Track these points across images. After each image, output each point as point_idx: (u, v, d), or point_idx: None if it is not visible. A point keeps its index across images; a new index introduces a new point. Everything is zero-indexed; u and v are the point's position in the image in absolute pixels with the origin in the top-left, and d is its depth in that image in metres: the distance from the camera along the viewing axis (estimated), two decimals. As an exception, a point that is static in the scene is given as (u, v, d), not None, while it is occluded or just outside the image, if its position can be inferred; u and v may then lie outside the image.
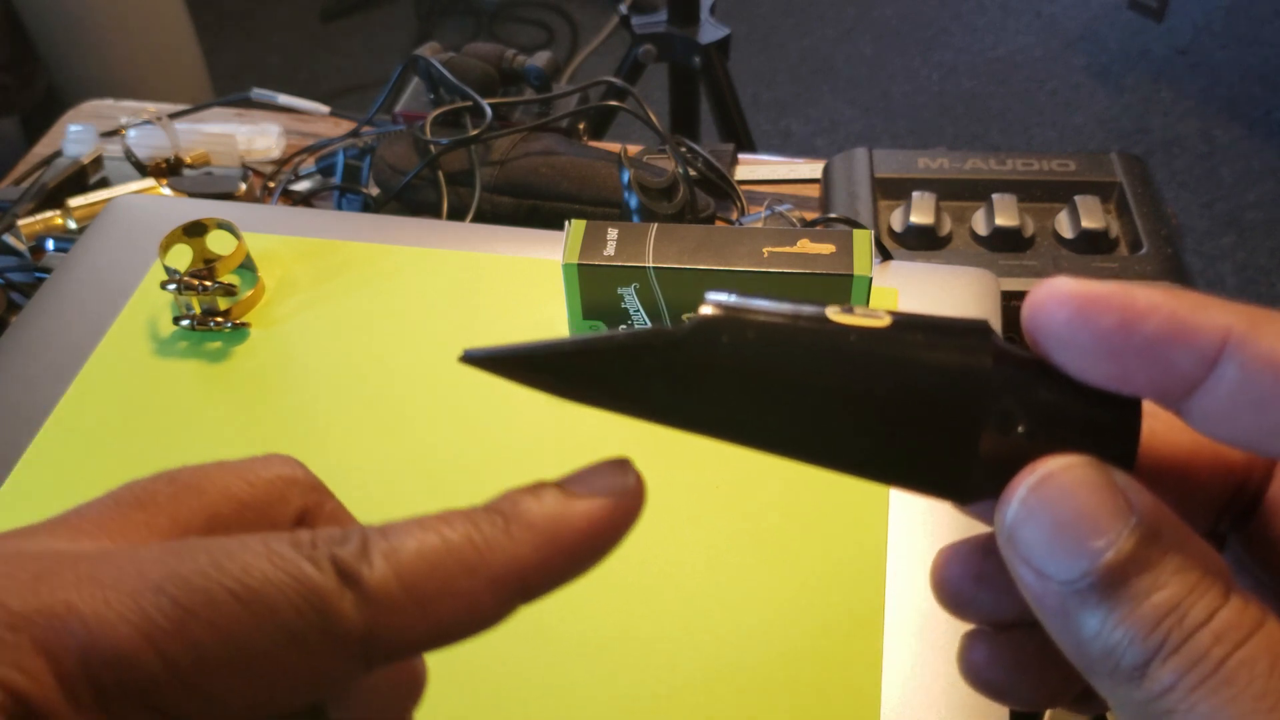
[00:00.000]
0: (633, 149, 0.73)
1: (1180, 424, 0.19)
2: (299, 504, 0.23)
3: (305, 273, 0.57)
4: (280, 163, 0.77)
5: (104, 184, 0.73)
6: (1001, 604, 0.23)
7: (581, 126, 0.74)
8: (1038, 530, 0.19)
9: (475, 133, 0.67)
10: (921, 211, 0.65)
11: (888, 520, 0.45)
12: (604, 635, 0.42)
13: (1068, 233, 0.65)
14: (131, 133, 0.74)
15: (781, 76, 2.25)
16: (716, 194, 0.71)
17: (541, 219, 0.67)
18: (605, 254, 0.49)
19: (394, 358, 0.53)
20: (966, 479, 0.20)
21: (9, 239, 0.66)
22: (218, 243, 0.56)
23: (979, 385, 0.20)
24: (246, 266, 0.56)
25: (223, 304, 0.54)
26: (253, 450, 0.51)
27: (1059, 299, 0.19)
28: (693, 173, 0.70)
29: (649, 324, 0.51)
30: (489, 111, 0.68)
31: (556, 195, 0.67)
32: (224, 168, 0.75)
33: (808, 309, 0.21)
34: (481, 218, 0.67)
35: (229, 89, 1.93)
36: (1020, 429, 0.20)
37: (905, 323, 0.20)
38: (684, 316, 0.21)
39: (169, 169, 0.72)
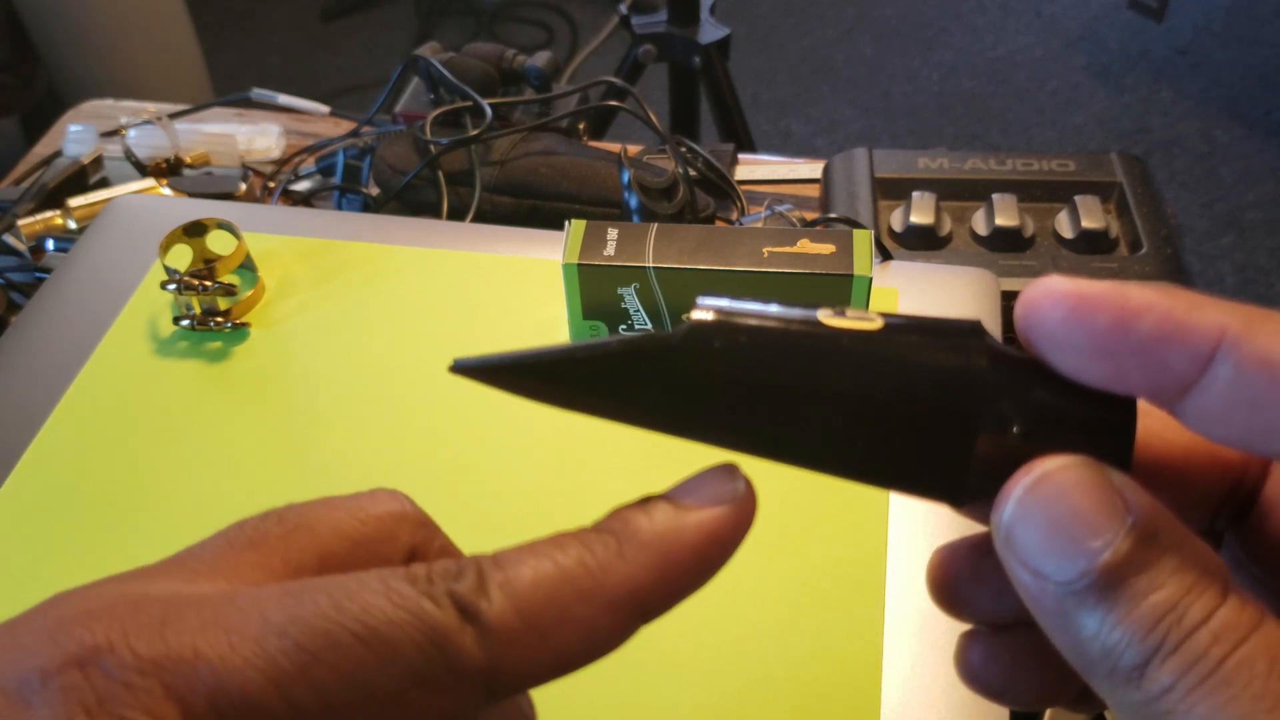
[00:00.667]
0: (633, 149, 0.73)
1: (1176, 422, 0.19)
2: (408, 541, 0.23)
3: (305, 273, 0.57)
4: (280, 163, 0.77)
5: (104, 184, 0.73)
6: (998, 604, 0.23)
7: (581, 126, 0.74)
8: (1034, 531, 0.19)
9: (475, 133, 0.67)
10: (921, 211, 0.65)
11: (888, 520, 0.45)
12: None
13: (1068, 233, 0.65)
14: (131, 133, 0.74)
15: (781, 76, 2.25)
16: (716, 194, 0.71)
17: (541, 219, 0.67)
18: (605, 254, 0.49)
19: (394, 358, 0.53)
20: (962, 480, 0.20)
21: (9, 239, 0.66)
22: (218, 243, 0.56)
23: (973, 386, 0.20)
24: (246, 266, 0.56)
25: (223, 304, 0.54)
26: (252, 451, 0.51)
27: (1053, 298, 0.19)
28: (693, 173, 0.70)
29: (649, 324, 0.51)
30: (489, 111, 0.68)
31: (556, 195, 0.67)
32: (224, 168, 0.75)
33: (800, 312, 0.20)
34: (481, 218, 0.67)
35: (229, 89, 1.93)
36: (1015, 429, 0.20)
37: (898, 325, 0.20)
38: (683, 317, 0.21)
39: (169, 169, 0.72)
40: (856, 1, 2.42)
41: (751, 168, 0.76)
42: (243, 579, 0.20)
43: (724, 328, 0.20)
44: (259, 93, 0.80)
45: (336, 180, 0.73)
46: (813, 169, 0.75)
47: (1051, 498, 0.19)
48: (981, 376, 0.20)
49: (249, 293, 0.55)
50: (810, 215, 0.69)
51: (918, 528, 0.45)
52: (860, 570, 0.43)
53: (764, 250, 0.48)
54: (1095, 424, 0.20)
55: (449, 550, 0.24)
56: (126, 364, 0.53)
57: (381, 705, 0.17)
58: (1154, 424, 0.22)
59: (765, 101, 2.19)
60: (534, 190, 0.67)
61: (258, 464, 0.49)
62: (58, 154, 0.75)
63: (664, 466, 0.47)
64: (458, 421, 0.50)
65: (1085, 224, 0.64)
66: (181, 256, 0.56)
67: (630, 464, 0.47)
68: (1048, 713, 0.41)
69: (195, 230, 0.56)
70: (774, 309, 0.20)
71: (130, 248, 0.59)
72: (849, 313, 0.20)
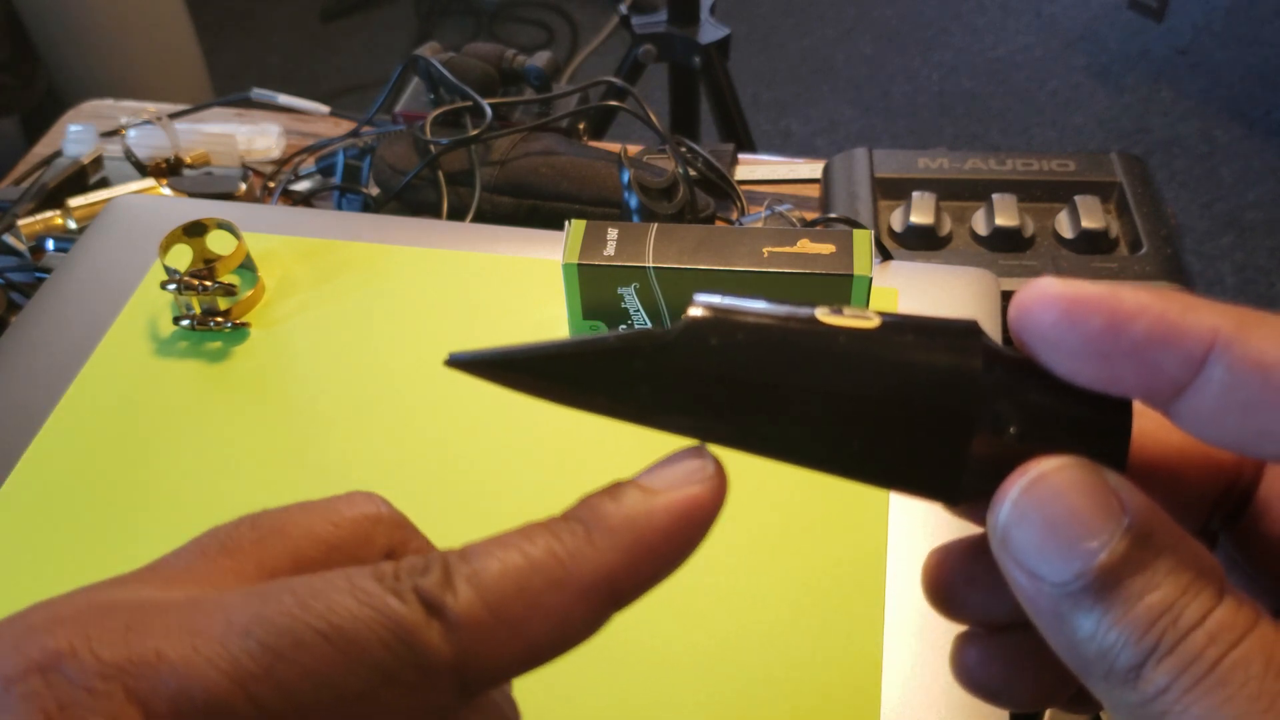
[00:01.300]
0: (633, 149, 0.73)
1: (1171, 423, 0.19)
2: (384, 542, 0.22)
3: (305, 273, 0.57)
4: (280, 163, 0.77)
5: (104, 184, 0.73)
6: (994, 605, 0.23)
7: (581, 126, 0.74)
8: (1030, 532, 0.19)
9: (475, 133, 0.67)
10: (921, 211, 0.65)
11: (888, 520, 0.45)
12: (603, 636, 0.42)
13: (1068, 233, 0.65)
14: (131, 133, 0.74)
15: (781, 76, 2.25)
16: (716, 194, 0.71)
17: (541, 219, 0.67)
18: (605, 254, 0.49)
19: (394, 358, 0.53)
20: (957, 481, 0.20)
21: (9, 239, 0.66)
22: (218, 243, 0.56)
23: (969, 387, 0.20)
24: (246, 266, 0.56)
25: (223, 304, 0.55)
26: (252, 451, 0.51)
27: (1045, 301, 0.19)
28: (693, 173, 0.70)
29: (649, 324, 0.51)
30: (489, 111, 0.68)
31: (556, 195, 0.67)
32: (224, 168, 0.75)
33: (797, 310, 0.20)
34: (481, 218, 0.67)
35: (229, 89, 1.93)
36: (1011, 430, 0.20)
37: (895, 324, 0.20)
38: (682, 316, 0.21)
39: (169, 169, 0.73)
40: (856, 1, 2.42)
41: (751, 168, 0.76)
42: (215, 585, 0.19)
43: (720, 324, 0.20)
44: (259, 93, 0.80)
45: (336, 180, 0.73)
46: (813, 169, 0.75)
47: (1047, 499, 0.19)
48: (977, 377, 0.20)
49: (249, 293, 0.55)
50: (810, 215, 0.69)
51: (918, 528, 0.45)
52: (860, 570, 0.43)
53: (764, 250, 0.48)
54: (1091, 425, 0.20)
55: (426, 551, 0.23)
56: (126, 364, 0.53)
57: (351, 704, 0.17)
58: (1149, 425, 0.22)
59: (765, 101, 2.19)
60: (534, 190, 0.67)
61: (258, 464, 0.49)
62: (58, 154, 0.75)
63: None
64: (458, 421, 0.50)
65: (1085, 224, 0.64)
66: (181, 256, 0.56)
67: (630, 461, 0.47)
68: (1047, 713, 0.41)
69: (195, 230, 0.56)
70: (771, 306, 0.20)
71: (130, 248, 0.59)
72: (846, 311, 0.20)
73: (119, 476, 0.48)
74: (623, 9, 1.31)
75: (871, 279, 0.48)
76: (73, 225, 0.67)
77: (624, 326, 0.52)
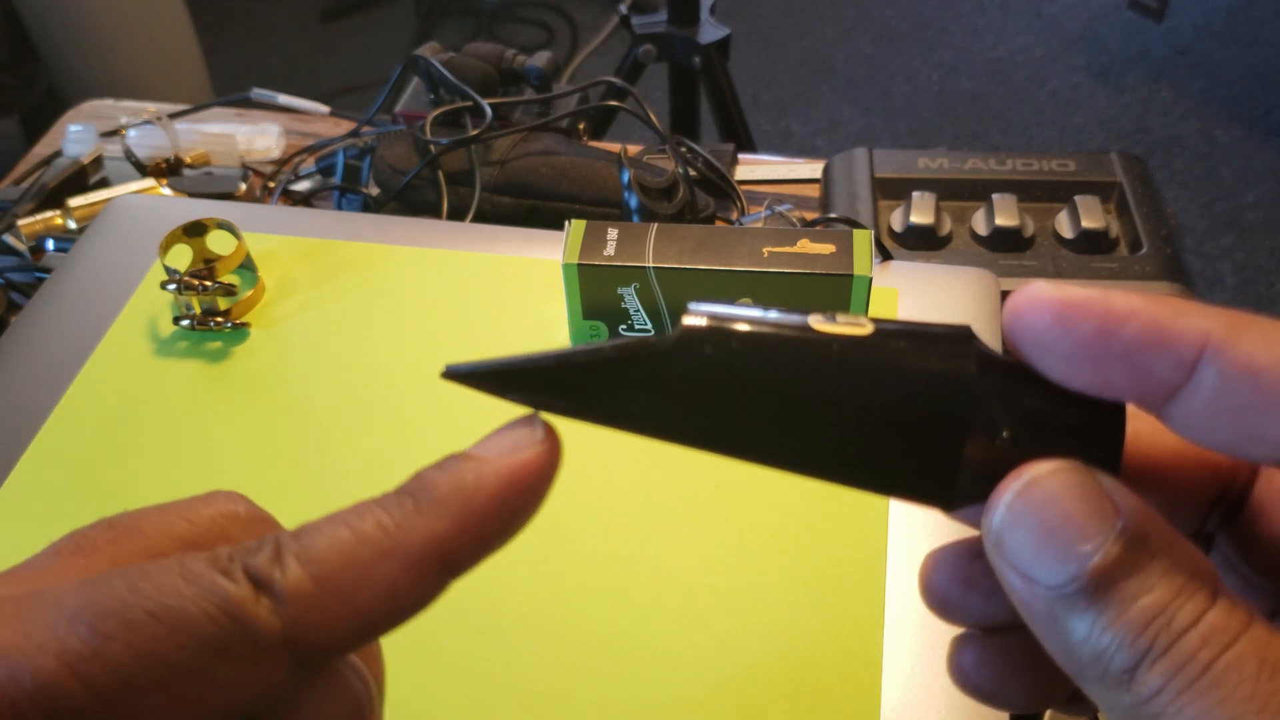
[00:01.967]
0: (633, 149, 0.73)
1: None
2: (243, 539, 0.23)
3: (305, 273, 0.57)
4: (280, 163, 0.77)
5: (104, 184, 0.73)
6: (989, 608, 0.23)
7: (581, 126, 0.74)
8: (1024, 535, 0.19)
9: (475, 133, 0.67)
10: (921, 211, 0.65)
11: (887, 521, 0.45)
12: (604, 637, 0.42)
13: (1068, 233, 0.65)
14: (131, 133, 0.74)
15: (781, 76, 2.25)
16: (716, 194, 0.71)
17: (541, 219, 0.67)
18: (605, 254, 0.49)
19: (394, 358, 0.53)
20: (952, 485, 0.20)
21: (9, 239, 0.66)
22: (218, 243, 0.56)
23: (963, 392, 0.20)
24: (246, 266, 0.56)
25: (223, 304, 0.55)
26: (252, 451, 0.51)
27: (1038, 305, 0.19)
28: (693, 173, 0.70)
29: (649, 324, 0.51)
30: (489, 111, 0.68)
31: (556, 195, 0.67)
32: (224, 168, 0.75)
33: (791, 318, 0.20)
34: (481, 218, 0.67)
35: (229, 89, 1.93)
36: (1005, 434, 0.20)
37: (888, 330, 0.20)
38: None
39: (169, 169, 0.73)
40: (856, 1, 2.42)
41: (751, 168, 0.76)
42: (64, 581, 0.20)
43: (715, 333, 0.20)
44: (259, 93, 0.80)
45: (336, 180, 0.73)
46: (813, 169, 0.75)
47: (1041, 502, 0.19)
48: (971, 382, 0.20)
49: (249, 293, 0.55)
50: (810, 215, 0.69)
51: (917, 528, 0.45)
52: (860, 570, 0.43)
53: (764, 250, 0.48)
54: (1084, 428, 0.20)
55: None
56: (126, 364, 0.53)
57: (183, 680, 0.17)
58: (1143, 427, 0.22)
59: (765, 101, 2.19)
60: (534, 190, 0.67)
61: (257, 464, 0.49)
62: (58, 154, 0.76)
63: (664, 467, 0.47)
64: (457, 421, 0.50)
65: (1085, 224, 0.64)
66: (181, 256, 0.56)
67: (629, 459, 0.47)
68: (1046, 714, 0.41)
69: (195, 230, 0.56)
70: (765, 314, 0.21)
71: (130, 248, 0.59)
72: (840, 318, 0.20)
73: (119, 476, 0.48)
74: (623, 9, 1.31)
75: (871, 279, 0.48)
76: (73, 225, 0.67)
77: (624, 327, 0.52)
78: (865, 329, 0.20)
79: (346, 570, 0.19)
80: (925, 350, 0.20)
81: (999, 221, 0.64)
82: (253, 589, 0.18)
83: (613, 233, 0.50)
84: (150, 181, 0.70)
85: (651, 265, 0.49)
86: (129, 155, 0.73)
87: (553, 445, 0.21)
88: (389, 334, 0.54)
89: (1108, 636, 0.18)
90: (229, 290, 0.54)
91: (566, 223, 0.51)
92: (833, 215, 0.66)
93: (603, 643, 0.42)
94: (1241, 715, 0.17)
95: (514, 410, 0.22)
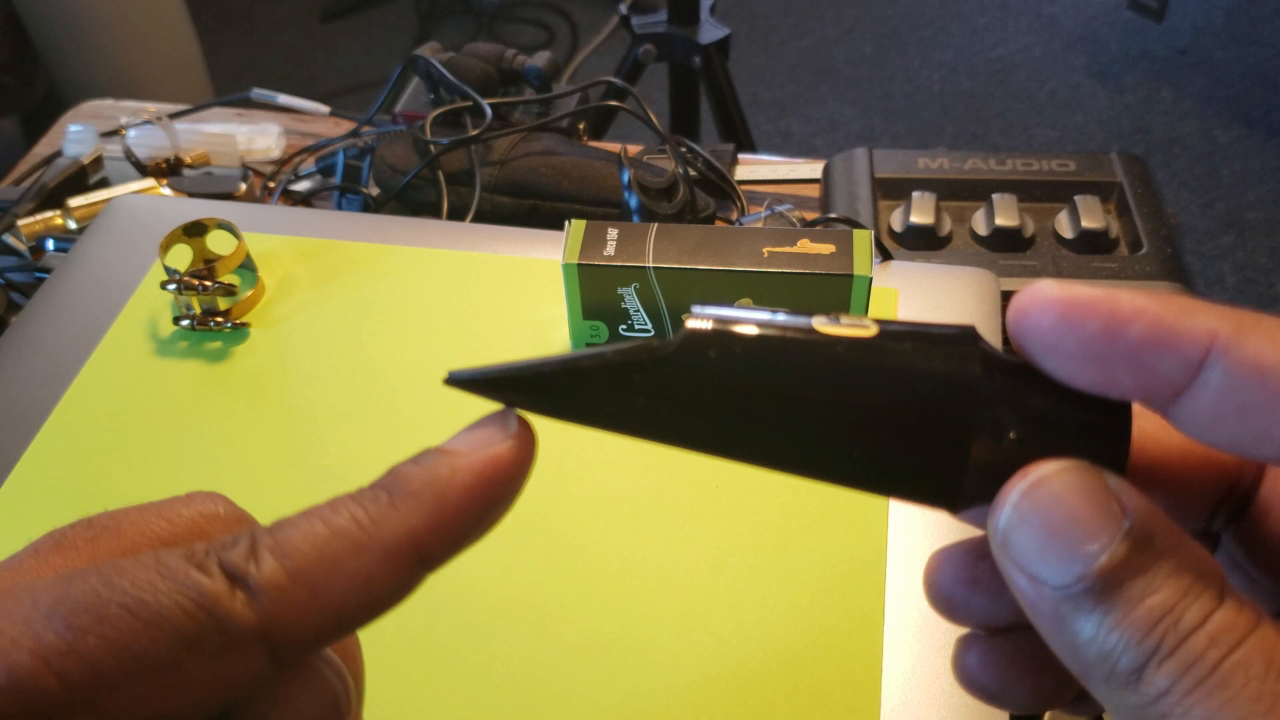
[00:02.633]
0: (633, 149, 0.73)
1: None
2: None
3: (305, 273, 0.57)
4: (280, 163, 0.77)
5: (104, 184, 0.73)
6: (995, 608, 0.23)
7: (581, 126, 0.74)
8: (1031, 535, 0.19)
9: (475, 133, 0.67)
10: (921, 211, 0.65)
11: (888, 521, 0.45)
12: (604, 637, 0.42)
13: (1068, 233, 0.65)
14: (131, 133, 0.74)
15: (781, 76, 2.25)
16: (716, 194, 0.71)
17: (541, 219, 0.67)
18: (605, 254, 0.49)
19: (394, 358, 0.53)
20: (958, 486, 0.20)
21: (9, 239, 0.66)
22: (218, 243, 0.56)
23: (968, 392, 0.20)
24: (246, 266, 0.56)
25: (223, 304, 0.55)
26: (252, 451, 0.51)
27: (1043, 305, 0.19)
28: (693, 173, 0.70)
29: (649, 324, 0.51)
30: (489, 111, 0.68)
31: (556, 195, 0.67)
32: (224, 168, 0.75)
33: (794, 320, 0.20)
34: (481, 218, 0.67)
35: (229, 89, 1.93)
36: (1011, 435, 0.20)
37: (892, 331, 0.20)
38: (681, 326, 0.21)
39: (169, 169, 0.73)
40: (856, 1, 2.42)
41: (751, 168, 0.76)
42: (41, 578, 0.20)
43: (718, 337, 0.20)
44: (259, 93, 0.80)
45: (336, 180, 0.73)
46: (813, 169, 0.75)
47: (1047, 502, 0.19)
48: (976, 383, 0.20)
49: (249, 293, 0.55)
50: (810, 215, 0.69)
51: (918, 528, 0.45)
52: (860, 570, 0.43)
53: (764, 250, 0.48)
54: (1090, 428, 0.20)
55: None
56: (126, 364, 0.53)
57: (158, 674, 0.18)
58: (1149, 426, 0.22)
59: (765, 101, 2.19)
60: (534, 190, 0.67)
61: (258, 464, 0.49)
62: (58, 154, 0.75)
63: (665, 467, 0.47)
64: (457, 421, 0.50)
65: (1085, 224, 0.64)
66: (181, 256, 0.56)
67: (629, 458, 0.47)
68: (1047, 715, 0.41)
69: (195, 230, 0.56)
70: (768, 316, 0.21)
71: (130, 248, 0.59)
72: (843, 320, 0.20)
73: (119, 476, 0.48)
74: (623, 9, 1.31)
75: (871, 279, 0.48)
76: (73, 225, 0.67)
77: (624, 327, 0.52)
78: (869, 330, 0.20)
79: (320, 563, 0.19)
80: (930, 351, 0.20)
81: (999, 221, 0.64)
82: (227, 583, 0.18)
83: (613, 233, 0.50)
84: (150, 181, 0.70)
85: (651, 265, 0.49)
86: (129, 155, 0.73)
87: (526, 439, 0.21)
88: (389, 334, 0.54)
89: (1114, 637, 0.18)
90: (229, 290, 0.54)
91: (566, 223, 0.51)
92: (833, 215, 0.66)
93: (603, 643, 0.42)
94: (1249, 715, 0.16)
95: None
